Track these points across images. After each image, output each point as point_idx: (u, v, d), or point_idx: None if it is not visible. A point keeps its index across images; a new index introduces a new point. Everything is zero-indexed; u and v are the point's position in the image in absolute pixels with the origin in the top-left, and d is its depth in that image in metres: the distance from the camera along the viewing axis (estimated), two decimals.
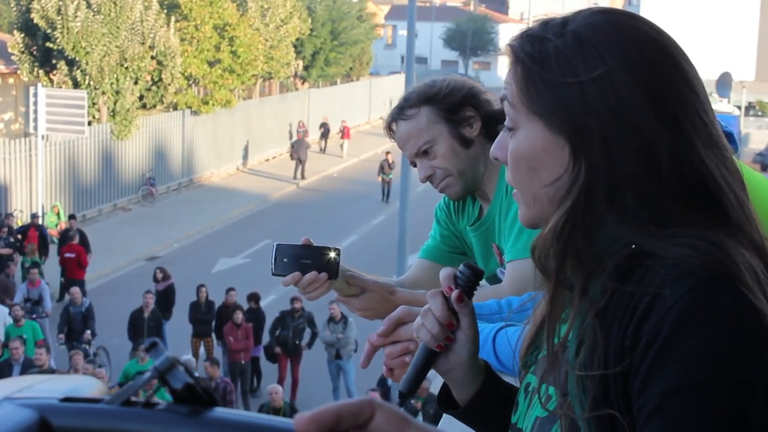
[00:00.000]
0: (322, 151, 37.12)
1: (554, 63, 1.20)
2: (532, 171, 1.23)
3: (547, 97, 1.20)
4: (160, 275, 16.30)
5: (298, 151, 32.77)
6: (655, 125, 1.17)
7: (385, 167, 28.85)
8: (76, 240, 18.40)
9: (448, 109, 2.46)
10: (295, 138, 35.11)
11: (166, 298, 15.99)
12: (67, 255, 18.04)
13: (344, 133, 37.23)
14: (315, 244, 2.10)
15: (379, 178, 29.36)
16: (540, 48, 1.22)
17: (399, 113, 2.50)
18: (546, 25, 1.25)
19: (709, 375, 1.05)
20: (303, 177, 32.59)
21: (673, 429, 1.05)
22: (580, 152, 1.18)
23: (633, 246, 1.16)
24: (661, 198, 1.16)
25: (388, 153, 28.79)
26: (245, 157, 33.77)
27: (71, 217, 20.33)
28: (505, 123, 1.27)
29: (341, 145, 37.03)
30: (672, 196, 1.16)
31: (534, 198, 1.24)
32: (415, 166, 2.55)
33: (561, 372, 1.17)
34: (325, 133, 37.25)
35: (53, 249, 19.18)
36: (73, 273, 17.88)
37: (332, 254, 2.09)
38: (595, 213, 1.17)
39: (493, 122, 2.48)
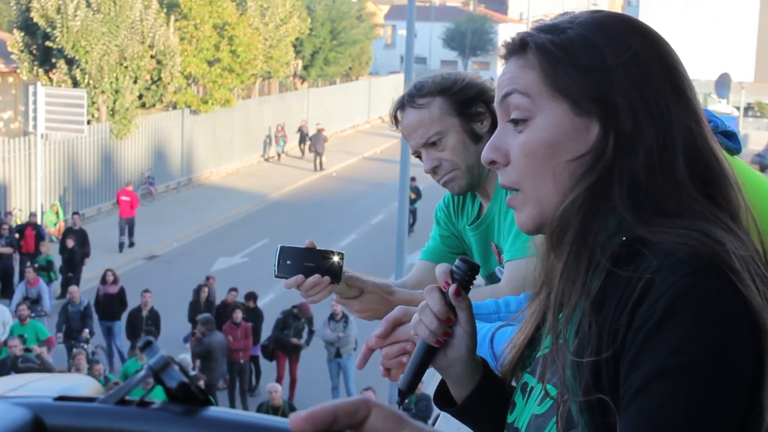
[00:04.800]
0: (302, 155, 35.99)
1: (579, 47, 1.23)
2: (551, 158, 1.23)
3: (577, 78, 1.22)
4: (111, 277, 16.17)
5: (315, 144, 33.68)
6: (676, 108, 1.21)
7: (410, 195, 23.04)
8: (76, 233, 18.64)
9: (462, 103, 2.44)
10: (308, 136, 35.29)
11: (120, 301, 15.95)
12: (123, 198, 22.28)
13: None
14: (319, 248, 2.10)
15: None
16: (561, 36, 1.24)
17: (410, 100, 2.45)
18: (554, 22, 1.27)
19: (692, 361, 1.06)
20: (322, 168, 33.62)
21: (652, 412, 1.06)
22: (610, 130, 1.20)
23: (627, 236, 1.17)
24: (670, 180, 1.18)
25: (413, 179, 23.41)
26: (245, 155, 33.78)
27: (75, 213, 20.27)
28: (513, 116, 1.26)
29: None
30: (681, 179, 1.18)
31: (553, 176, 1.23)
32: (418, 157, 2.51)
33: (561, 367, 1.18)
34: (302, 137, 36.02)
35: (54, 247, 19.15)
36: (126, 212, 22.19)
37: (336, 258, 2.09)
38: (610, 196, 1.19)
39: None
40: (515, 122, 1.26)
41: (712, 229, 1.14)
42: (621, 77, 1.20)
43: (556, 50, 1.23)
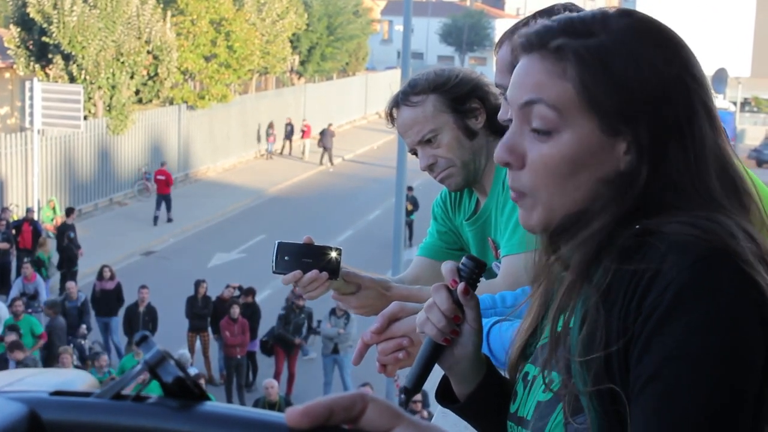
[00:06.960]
0: (289, 153, 35.96)
1: (619, 60, 1.17)
2: (572, 174, 1.20)
3: (612, 95, 1.17)
4: (107, 273, 16.15)
5: (324, 140, 34.09)
6: (708, 130, 1.18)
7: (407, 206, 20.39)
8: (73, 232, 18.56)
9: (456, 99, 2.43)
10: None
11: (117, 297, 15.94)
12: (159, 177, 24.87)
13: (304, 133, 36.10)
14: (316, 244, 2.10)
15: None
16: (599, 42, 1.19)
17: (404, 98, 2.45)
18: (584, 20, 1.21)
19: (706, 346, 1.05)
20: (331, 163, 34.27)
21: (667, 396, 1.06)
22: (644, 157, 1.17)
23: (637, 226, 1.16)
24: (704, 199, 1.16)
25: (410, 188, 21.61)
26: (242, 151, 33.75)
27: (69, 211, 20.13)
28: (535, 126, 1.21)
29: (302, 147, 35.84)
30: (714, 198, 1.17)
31: (574, 189, 1.20)
32: (414, 154, 2.51)
33: (565, 355, 1.17)
34: (289, 134, 35.83)
35: (52, 242, 19.10)
36: (162, 189, 24.79)
37: (333, 254, 2.09)
38: (639, 219, 1.16)
39: (496, 116, 2.46)
40: (537, 131, 1.22)
41: (724, 219, 1.13)
42: (660, 93, 1.16)
43: (595, 62, 1.17)
